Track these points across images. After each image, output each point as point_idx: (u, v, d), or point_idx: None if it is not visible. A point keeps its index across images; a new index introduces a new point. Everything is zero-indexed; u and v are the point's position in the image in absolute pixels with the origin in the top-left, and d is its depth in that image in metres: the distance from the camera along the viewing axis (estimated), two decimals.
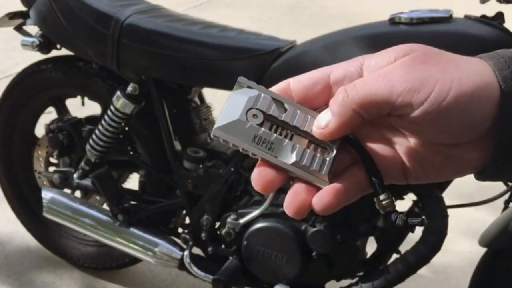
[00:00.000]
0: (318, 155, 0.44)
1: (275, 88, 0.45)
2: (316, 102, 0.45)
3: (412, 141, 0.44)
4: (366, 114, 0.42)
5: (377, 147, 0.45)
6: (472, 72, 0.40)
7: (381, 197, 0.45)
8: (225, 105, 0.44)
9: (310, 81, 0.44)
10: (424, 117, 0.40)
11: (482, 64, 0.42)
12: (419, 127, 0.42)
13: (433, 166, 0.44)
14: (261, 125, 0.44)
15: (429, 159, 0.44)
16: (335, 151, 0.44)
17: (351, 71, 0.43)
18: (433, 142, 0.43)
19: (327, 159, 0.44)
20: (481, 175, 0.44)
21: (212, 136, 0.45)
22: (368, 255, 1.65)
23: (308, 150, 0.44)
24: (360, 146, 0.44)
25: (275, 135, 0.44)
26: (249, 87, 0.45)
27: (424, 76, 0.39)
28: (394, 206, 0.45)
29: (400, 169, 0.45)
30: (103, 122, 1.73)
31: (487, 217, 1.63)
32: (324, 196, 0.43)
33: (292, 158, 0.43)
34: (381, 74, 0.40)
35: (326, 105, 0.44)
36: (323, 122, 0.42)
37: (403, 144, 0.45)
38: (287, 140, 0.44)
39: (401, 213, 0.46)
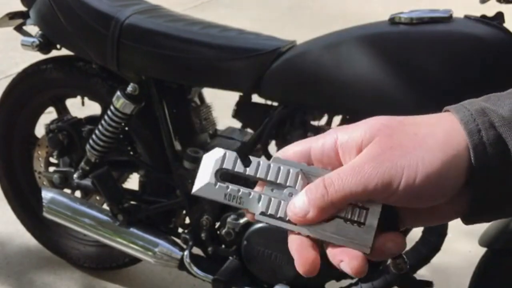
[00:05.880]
0: (282, 202, 0.47)
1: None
2: None
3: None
4: (343, 206, 0.45)
5: None
6: (436, 148, 0.43)
7: (398, 260, 0.50)
8: (200, 167, 0.49)
9: (295, 157, 0.48)
10: (398, 199, 0.44)
11: (448, 124, 0.44)
12: (395, 203, 0.45)
13: (420, 219, 0.48)
14: (229, 182, 0.48)
15: (415, 215, 0.47)
16: None
17: (328, 149, 0.47)
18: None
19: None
20: (466, 223, 0.48)
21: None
22: None
23: (273, 199, 0.47)
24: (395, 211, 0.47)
25: (242, 190, 0.48)
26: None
27: (391, 167, 0.43)
28: (407, 266, 0.50)
29: None
30: (103, 122, 1.73)
31: None
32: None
33: (259, 209, 0.47)
34: (354, 169, 0.44)
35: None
36: (300, 212, 0.46)
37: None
38: (252, 193, 0.48)
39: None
